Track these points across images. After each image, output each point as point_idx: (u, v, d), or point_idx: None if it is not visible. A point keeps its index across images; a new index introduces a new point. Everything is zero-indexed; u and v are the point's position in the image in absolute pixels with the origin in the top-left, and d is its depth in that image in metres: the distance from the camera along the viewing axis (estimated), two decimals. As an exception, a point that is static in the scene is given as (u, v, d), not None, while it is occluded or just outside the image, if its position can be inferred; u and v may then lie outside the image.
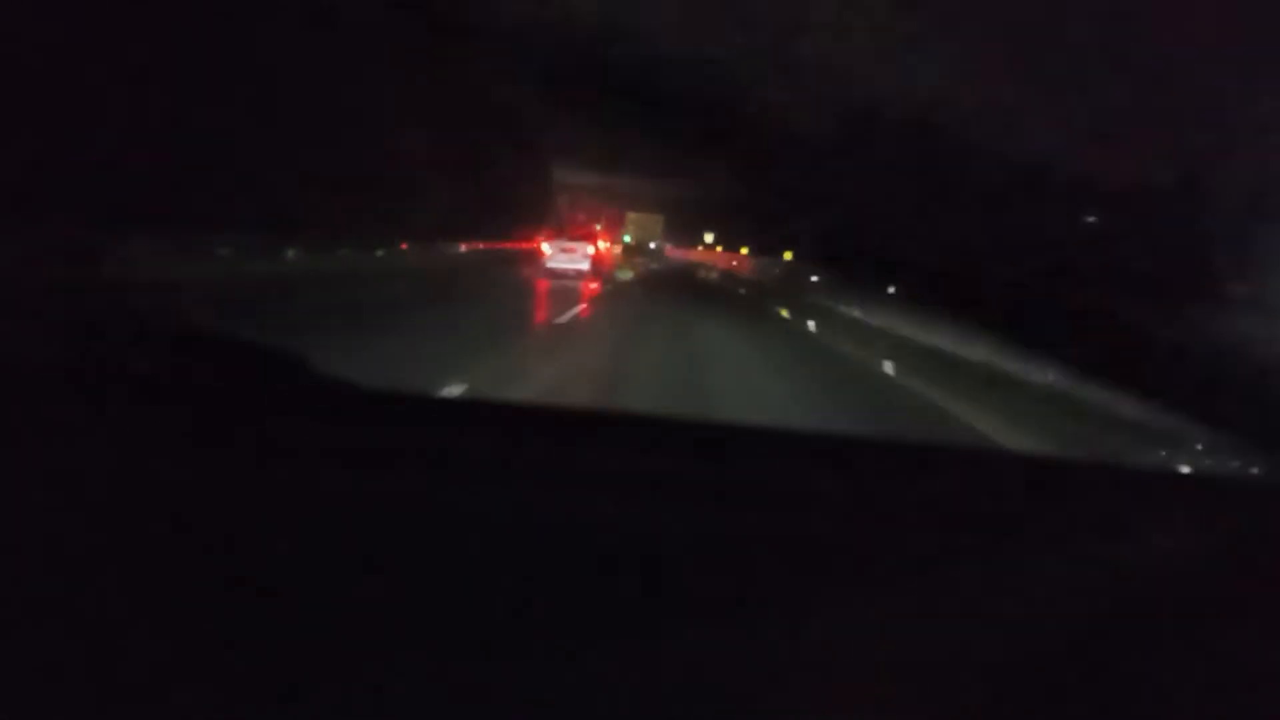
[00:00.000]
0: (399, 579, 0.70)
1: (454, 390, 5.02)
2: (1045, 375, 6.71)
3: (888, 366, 8.80)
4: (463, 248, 30.10)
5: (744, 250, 49.11)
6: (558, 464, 0.82)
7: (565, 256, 22.56)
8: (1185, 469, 1.38)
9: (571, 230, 25.14)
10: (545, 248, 23.80)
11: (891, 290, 14.13)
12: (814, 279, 22.15)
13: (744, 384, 7.28)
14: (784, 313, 16.22)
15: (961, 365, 8.49)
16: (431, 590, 0.68)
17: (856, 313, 14.86)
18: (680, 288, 23.35)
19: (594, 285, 17.87)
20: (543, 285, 17.79)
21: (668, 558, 0.71)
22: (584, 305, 13.70)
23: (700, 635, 0.63)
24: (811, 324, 14.18)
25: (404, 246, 22.86)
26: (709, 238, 56.57)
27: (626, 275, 24.39)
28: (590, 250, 23.13)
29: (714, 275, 33.59)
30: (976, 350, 8.49)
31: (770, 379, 7.91)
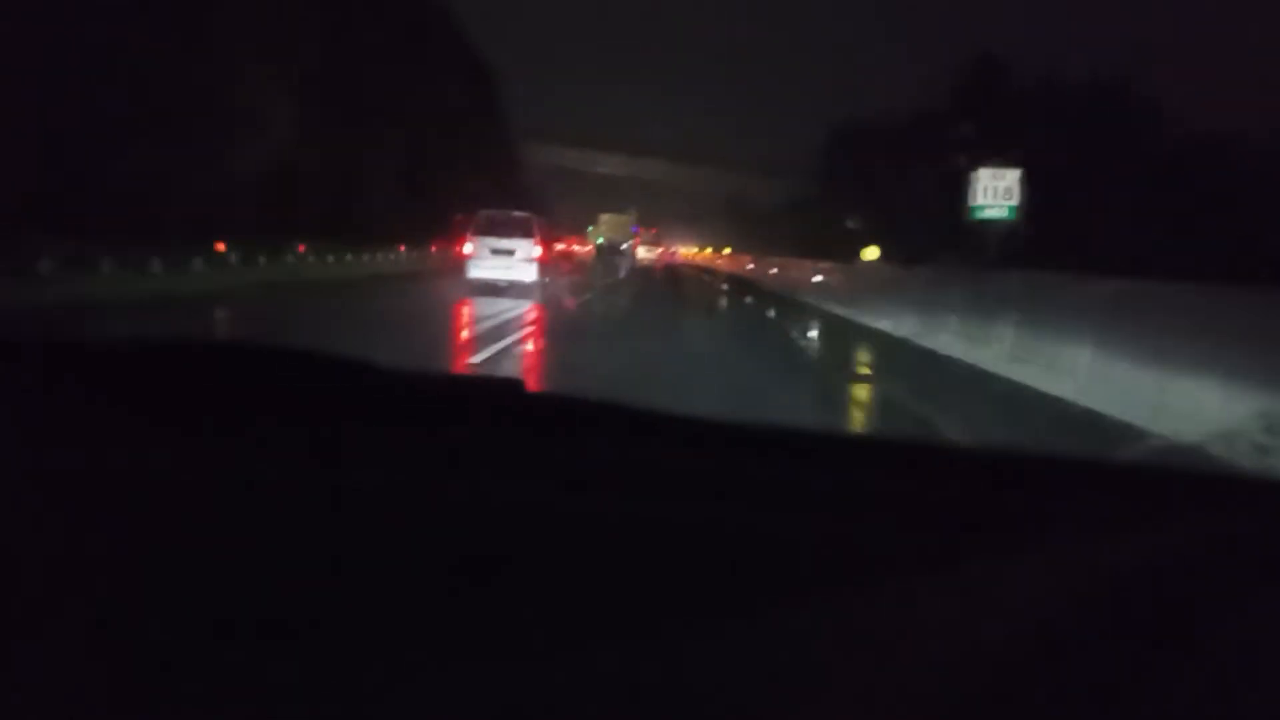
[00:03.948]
0: (398, 575, 0.69)
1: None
2: None
3: None
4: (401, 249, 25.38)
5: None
6: (548, 455, 0.84)
7: (495, 261, 17.07)
8: (1176, 465, 1.40)
9: (500, 222, 17.88)
10: (468, 248, 17.67)
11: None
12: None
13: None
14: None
15: None
16: (427, 589, 0.68)
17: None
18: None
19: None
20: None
21: (661, 556, 0.72)
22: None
23: (696, 635, 0.64)
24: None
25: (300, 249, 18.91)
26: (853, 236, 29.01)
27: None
28: (535, 250, 17.39)
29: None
30: None
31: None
